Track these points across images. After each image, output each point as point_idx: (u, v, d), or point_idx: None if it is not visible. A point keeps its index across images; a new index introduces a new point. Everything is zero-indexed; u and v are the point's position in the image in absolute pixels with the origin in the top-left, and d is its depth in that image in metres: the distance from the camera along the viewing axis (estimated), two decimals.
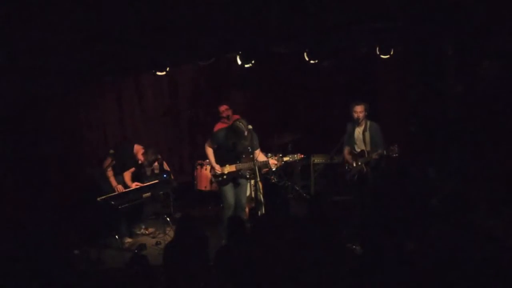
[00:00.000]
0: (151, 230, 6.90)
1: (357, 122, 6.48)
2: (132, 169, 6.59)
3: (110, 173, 6.31)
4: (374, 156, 6.29)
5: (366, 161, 6.38)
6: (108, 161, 6.31)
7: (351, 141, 6.61)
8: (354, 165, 6.51)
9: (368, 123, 6.50)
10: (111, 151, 6.54)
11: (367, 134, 6.46)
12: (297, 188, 8.15)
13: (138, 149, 6.49)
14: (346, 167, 6.64)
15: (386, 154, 6.19)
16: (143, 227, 6.92)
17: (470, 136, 6.78)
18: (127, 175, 6.53)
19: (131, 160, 6.50)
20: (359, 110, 6.45)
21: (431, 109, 7.26)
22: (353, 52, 7.29)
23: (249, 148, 5.91)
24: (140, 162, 6.61)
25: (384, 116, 7.52)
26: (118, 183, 6.36)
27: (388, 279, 3.68)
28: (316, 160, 8.01)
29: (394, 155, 6.13)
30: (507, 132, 6.39)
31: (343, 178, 6.85)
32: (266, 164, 6.19)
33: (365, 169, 6.40)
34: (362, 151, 6.48)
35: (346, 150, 6.67)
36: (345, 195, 7.18)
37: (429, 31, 6.43)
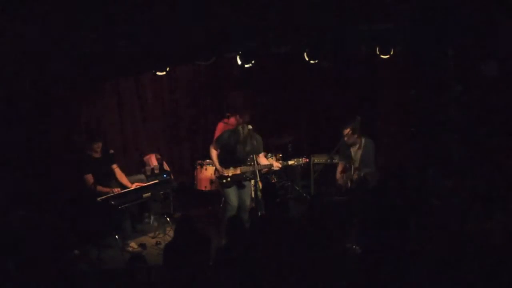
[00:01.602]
0: (137, 249, 6.43)
1: (350, 143, 6.47)
2: (115, 165, 6.50)
3: (99, 187, 6.17)
4: (355, 176, 6.31)
5: (350, 178, 6.40)
6: (90, 178, 6.16)
7: (346, 154, 6.57)
8: (343, 178, 6.52)
9: (363, 140, 6.50)
10: (111, 151, 6.54)
11: (359, 152, 6.47)
12: (297, 188, 8.15)
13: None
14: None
15: (363, 176, 6.21)
16: (131, 243, 6.46)
17: (470, 136, 6.78)
18: (119, 174, 6.51)
19: (104, 163, 6.40)
20: (345, 133, 6.45)
21: (431, 109, 7.26)
22: (353, 52, 7.29)
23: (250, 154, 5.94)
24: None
25: (384, 116, 7.52)
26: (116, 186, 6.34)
27: (388, 279, 3.69)
28: (316, 160, 8.00)
29: (368, 181, 6.13)
30: (507, 132, 6.39)
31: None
32: (269, 166, 6.20)
33: (349, 185, 6.40)
34: (350, 166, 6.45)
35: (340, 167, 6.67)
36: (345, 195, 7.17)
37: (429, 31, 6.44)
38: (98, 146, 6.34)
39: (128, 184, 6.45)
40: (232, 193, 6.12)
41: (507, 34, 6.09)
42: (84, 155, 6.36)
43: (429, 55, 7.10)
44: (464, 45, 6.63)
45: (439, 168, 6.86)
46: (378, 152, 6.68)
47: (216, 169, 6.21)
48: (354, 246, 5.23)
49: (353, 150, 6.53)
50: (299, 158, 6.40)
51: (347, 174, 6.48)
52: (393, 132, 7.78)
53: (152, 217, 7.04)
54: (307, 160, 6.44)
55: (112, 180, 6.43)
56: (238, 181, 6.14)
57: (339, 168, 6.71)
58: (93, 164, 6.29)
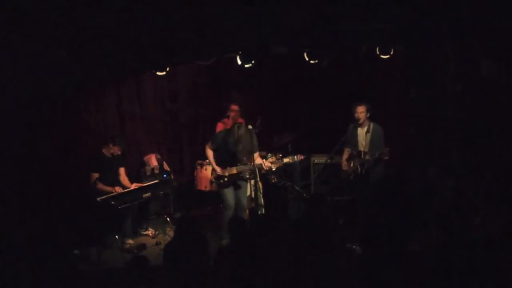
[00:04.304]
0: (152, 231, 6.89)
1: (358, 123, 6.51)
2: (123, 169, 6.57)
3: (100, 185, 6.23)
4: (367, 157, 6.30)
5: (361, 162, 6.39)
6: (94, 176, 6.22)
7: (353, 142, 6.60)
8: (351, 165, 6.52)
9: (372, 125, 6.51)
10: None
11: (369, 135, 6.46)
12: (297, 188, 8.14)
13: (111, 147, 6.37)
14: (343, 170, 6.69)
15: (377, 156, 6.20)
16: (145, 227, 6.91)
17: (470, 137, 6.78)
18: (123, 176, 6.52)
19: (113, 163, 6.46)
20: (360, 111, 6.47)
21: (431, 110, 7.26)
22: (353, 52, 7.28)
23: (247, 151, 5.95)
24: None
25: (384, 116, 7.51)
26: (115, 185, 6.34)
27: (388, 279, 3.69)
28: (316, 160, 8.00)
29: (385, 157, 6.14)
30: (507, 132, 6.39)
31: (340, 178, 6.88)
32: (261, 166, 6.18)
33: (359, 170, 6.41)
34: (359, 151, 6.49)
35: (345, 154, 6.67)
36: (344, 195, 7.18)
37: (429, 31, 6.43)
38: (116, 150, 6.38)
39: (127, 184, 6.46)
40: (229, 193, 6.14)
41: (508, 34, 6.09)
42: (96, 152, 6.42)
43: (429, 55, 7.10)
44: (464, 44, 6.63)
45: (439, 168, 6.87)
46: None
47: (212, 169, 6.20)
48: (354, 246, 5.23)
49: (361, 134, 6.54)
50: (294, 155, 6.37)
51: (355, 161, 6.48)
52: (393, 132, 7.78)
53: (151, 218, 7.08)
54: (302, 157, 6.40)
55: (116, 181, 6.45)
56: (235, 181, 6.14)
57: (345, 156, 6.70)
58: (103, 163, 6.33)
